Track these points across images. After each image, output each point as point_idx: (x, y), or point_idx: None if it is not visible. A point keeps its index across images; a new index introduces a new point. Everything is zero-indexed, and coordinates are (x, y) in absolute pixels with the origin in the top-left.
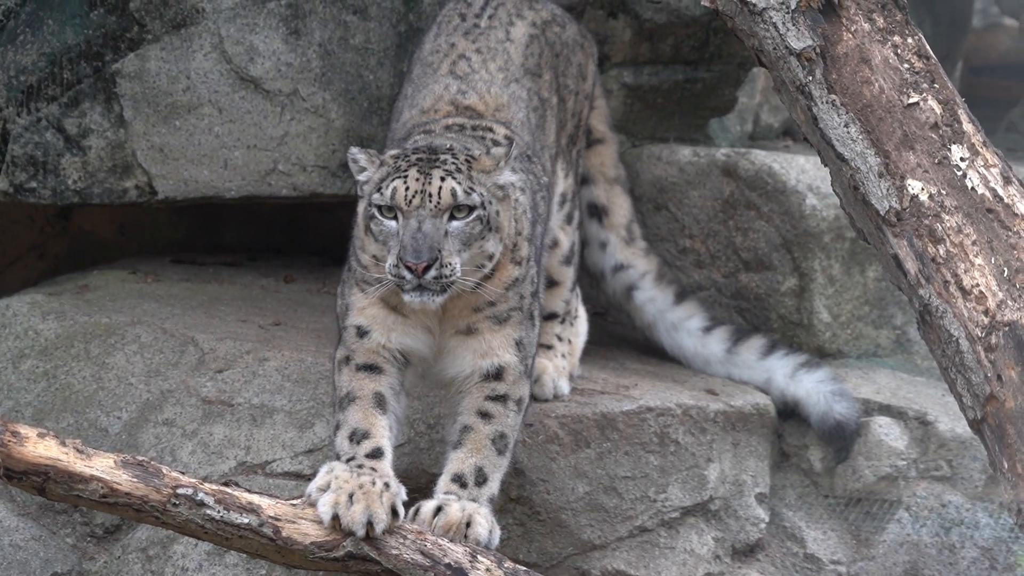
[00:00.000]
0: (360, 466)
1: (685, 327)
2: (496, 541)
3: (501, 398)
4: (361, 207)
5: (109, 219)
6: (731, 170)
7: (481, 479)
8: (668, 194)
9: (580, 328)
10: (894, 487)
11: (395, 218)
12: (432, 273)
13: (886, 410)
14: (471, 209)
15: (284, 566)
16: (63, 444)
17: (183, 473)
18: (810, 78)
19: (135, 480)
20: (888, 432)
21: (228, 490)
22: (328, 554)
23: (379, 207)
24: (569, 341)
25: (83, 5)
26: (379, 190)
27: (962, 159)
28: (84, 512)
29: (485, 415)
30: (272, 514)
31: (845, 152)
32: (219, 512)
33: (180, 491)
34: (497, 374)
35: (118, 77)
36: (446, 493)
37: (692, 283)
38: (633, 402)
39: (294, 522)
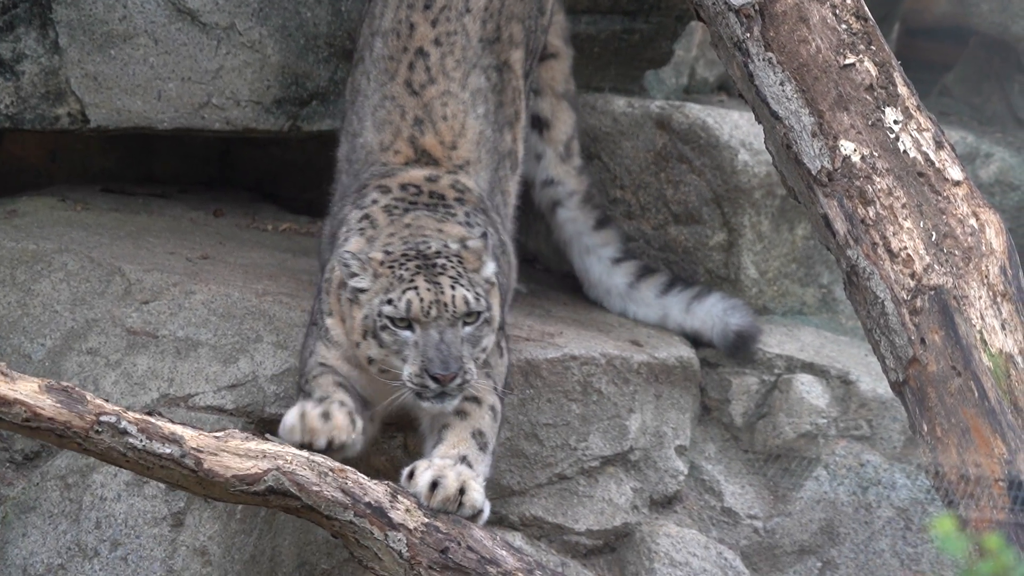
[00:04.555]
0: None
1: (597, 253)
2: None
3: (473, 399)
4: (359, 312)
5: (40, 145)
6: (665, 123)
7: (468, 465)
8: (601, 144)
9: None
10: (813, 445)
11: (409, 328)
12: (457, 381)
13: (808, 368)
14: (479, 314)
15: (204, 498)
16: None
17: (107, 401)
18: (748, 35)
19: (59, 406)
20: (810, 390)
21: (151, 419)
22: (249, 488)
23: (392, 319)
24: None
25: None
26: (390, 302)
27: (896, 122)
28: (4, 438)
29: (461, 412)
30: (194, 445)
31: (779, 110)
32: (141, 441)
33: (103, 419)
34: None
35: (54, 3)
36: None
37: (607, 206)
38: (558, 350)
39: (216, 454)
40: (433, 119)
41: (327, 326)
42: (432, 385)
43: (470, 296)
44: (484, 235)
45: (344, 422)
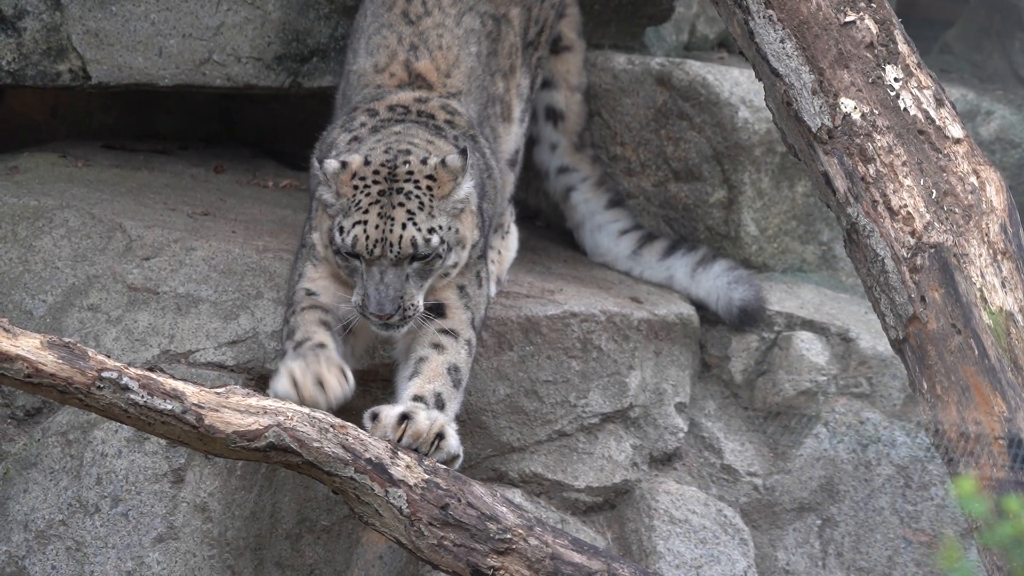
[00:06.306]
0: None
1: (607, 228)
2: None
3: (451, 332)
4: (326, 223)
5: (41, 102)
6: (665, 79)
7: (440, 404)
8: (601, 101)
9: (511, 243)
10: (813, 402)
11: (357, 258)
12: (395, 319)
13: (808, 325)
14: (431, 253)
15: (205, 454)
16: None
17: (108, 356)
18: None
19: (60, 361)
20: (810, 347)
21: (153, 375)
22: (250, 444)
23: (339, 249)
24: (499, 252)
25: None
26: (341, 230)
27: (896, 79)
28: (5, 394)
29: (438, 346)
30: (196, 401)
31: (780, 67)
32: (143, 397)
33: (105, 374)
34: (439, 309)
35: None
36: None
37: (621, 191)
38: (558, 307)
39: (217, 410)
40: (429, 46)
41: (313, 242)
42: (372, 318)
43: (419, 238)
44: (463, 152)
45: (335, 381)
